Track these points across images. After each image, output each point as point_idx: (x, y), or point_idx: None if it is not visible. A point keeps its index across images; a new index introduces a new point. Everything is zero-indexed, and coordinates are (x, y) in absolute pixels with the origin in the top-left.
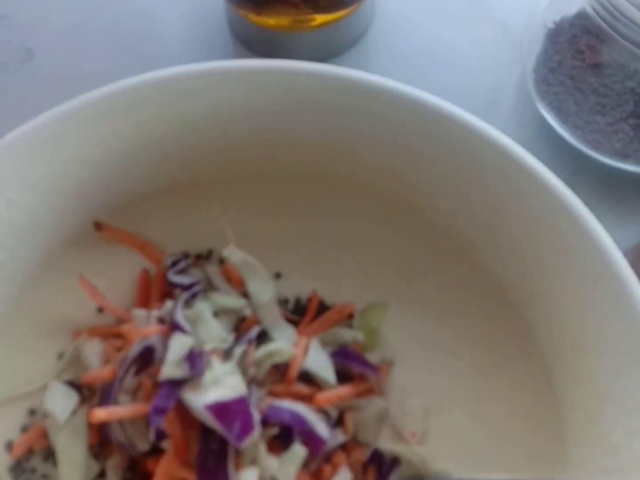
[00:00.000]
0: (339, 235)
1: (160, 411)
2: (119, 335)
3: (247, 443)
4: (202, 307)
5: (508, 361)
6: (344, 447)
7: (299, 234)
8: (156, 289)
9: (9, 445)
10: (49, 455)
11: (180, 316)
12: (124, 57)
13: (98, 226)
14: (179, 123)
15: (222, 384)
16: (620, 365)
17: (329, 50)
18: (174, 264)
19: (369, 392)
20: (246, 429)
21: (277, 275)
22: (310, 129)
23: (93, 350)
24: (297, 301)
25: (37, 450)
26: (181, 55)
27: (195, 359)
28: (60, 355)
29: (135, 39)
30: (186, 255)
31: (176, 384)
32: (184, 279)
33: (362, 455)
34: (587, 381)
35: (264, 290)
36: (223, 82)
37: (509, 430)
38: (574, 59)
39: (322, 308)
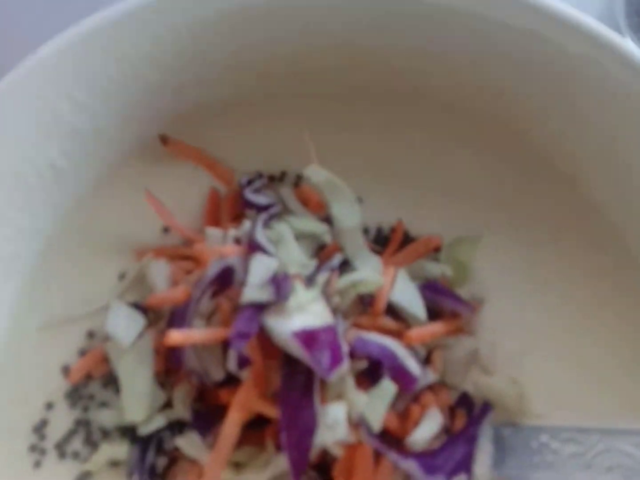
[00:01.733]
0: (426, 159)
1: (243, 336)
2: (188, 257)
3: (335, 375)
4: (283, 228)
5: (611, 295)
6: (431, 389)
7: (382, 156)
8: (227, 210)
9: (66, 370)
10: (109, 381)
11: (261, 236)
12: None
13: (164, 139)
14: (261, 26)
15: (307, 310)
16: None
17: None
18: (249, 182)
19: (458, 330)
20: (335, 359)
21: (358, 201)
22: (403, 38)
23: (160, 272)
24: (379, 230)
25: (96, 376)
26: None
27: (280, 282)
28: (122, 276)
29: None
30: (259, 175)
31: (258, 308)
32: (261, 199)
33: (450, 398)
34: None
35: (349, 215)
36: None
37: (609, 375)
38: None
39: (407, 239)
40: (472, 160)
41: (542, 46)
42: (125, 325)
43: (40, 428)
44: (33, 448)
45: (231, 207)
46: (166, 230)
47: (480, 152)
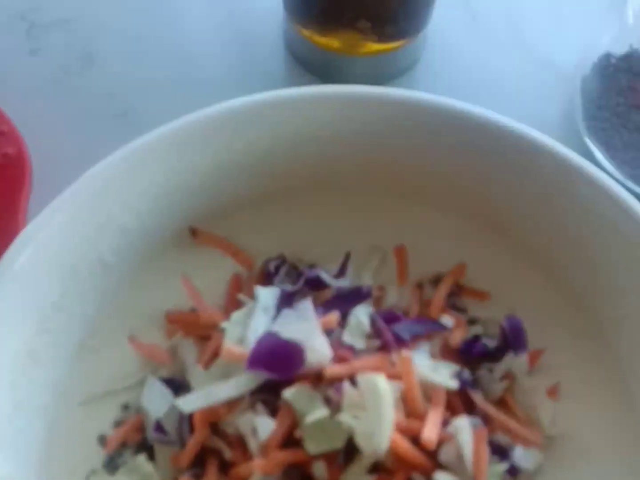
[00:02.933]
0: (416, 251)
1: None
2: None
3: None
4: None
5: (592, 382)
6: None
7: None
8: (249, 293)
9: (102, 440)
10: (140, 448)
11: None
12: (181, 68)
13: (194, 232)
14: (284, 141)
15: None
16: None
17: (381, 76)
18: (277, 269)
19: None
20: None
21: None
22: (401, 153)
23: (189, 350)
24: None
25: (130, 444)
26: (239, 70)
27: None
28: None
29: (191, 53)
30: (284, 261)
31: None
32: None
33: None
34: None
35: None
36: (323, 105)
37: (598, 452)
38: (619, 97)
39: None
40: (469, 255)
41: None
42: (157, 400)
43: None
44: None
45: (251, 290)
46: (194, 311)
47: (476, 249)
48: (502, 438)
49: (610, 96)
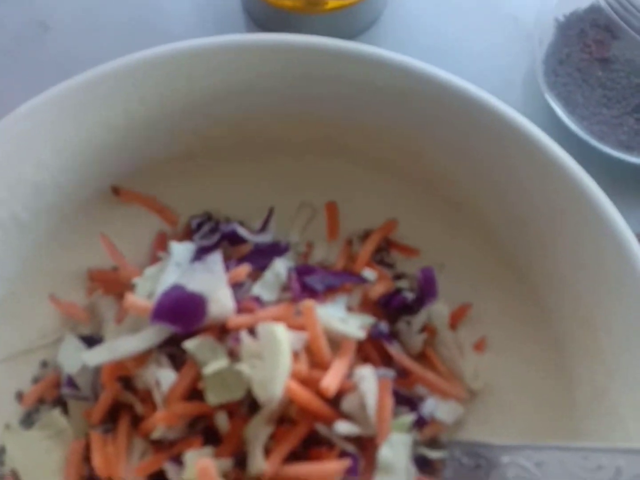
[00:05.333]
0: (348, 209)
1: None
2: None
3: None
4: None
5: (520, 337)
6: None
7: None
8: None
9: (20, 396)
10: (57, 404)
11: None
12: (135, 37)
13: (115, 190)
14: (201, 94)
15: None
16: (628, 342)
17: (339, 34)
18: (199, 226)
19: None
20: None
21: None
22: (328, 106)
23: (109, 307)
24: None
25: (48, 401)
26: (195, 33)
27: None
28: None
29: (146, 19)
30: (208, 218)
31: None
32: (206, 242)
33: None
34: (596, 358)
35: None
36: (241, 55)
37: (519, 403)
38: (583, 52)
39: None
40: (400, 214)
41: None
42: (72, 356)
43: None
44: None
45: None
46: (116, 269)
47: (409, 208)
48: (422, 390)
49: (573, 51)
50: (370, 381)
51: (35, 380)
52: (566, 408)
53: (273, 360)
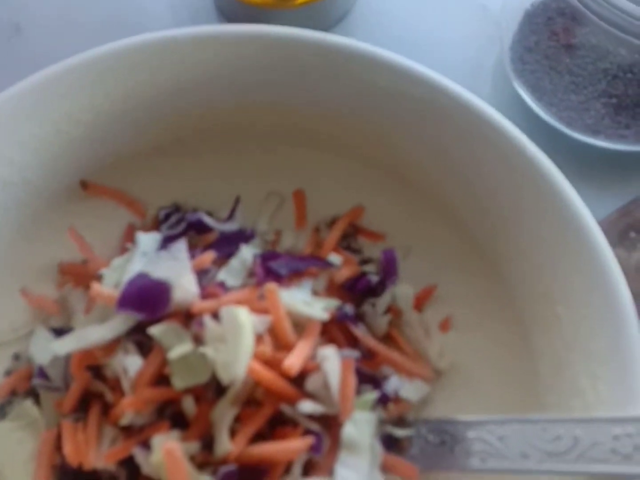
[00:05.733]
0: (315, 196)
1: None
2: None
3: None
4: None
5: (484, 315)
6: None
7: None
8: None
9: None
10: (29, 396)
11: None
12: (109, 35)
13: (84, 184)
14: (166, 86)
15: None
16: (585, 313)
17: (310, 28)
18: (167, 217)
19: None
20: None
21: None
22: (294, 94)
23: (79, 299)
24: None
25: (20, 392)
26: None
27: None
28: None
29: (120, 17)
30: (177, 209)
31: None
32: (173, 231)
33: None
34: (556, 331)
35: None
36: (208, 46)
37: (485, 380)
38: (550, 40)
39: None
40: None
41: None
42: (43, 347)
43: None
44: None
45: None
46: (85, 262)
47: (374, 192)
48: (387, 371)
49: (540, 38)
50: (333, 361)
51: (8, 372)
52: (530, 382)
53: (235, 342)
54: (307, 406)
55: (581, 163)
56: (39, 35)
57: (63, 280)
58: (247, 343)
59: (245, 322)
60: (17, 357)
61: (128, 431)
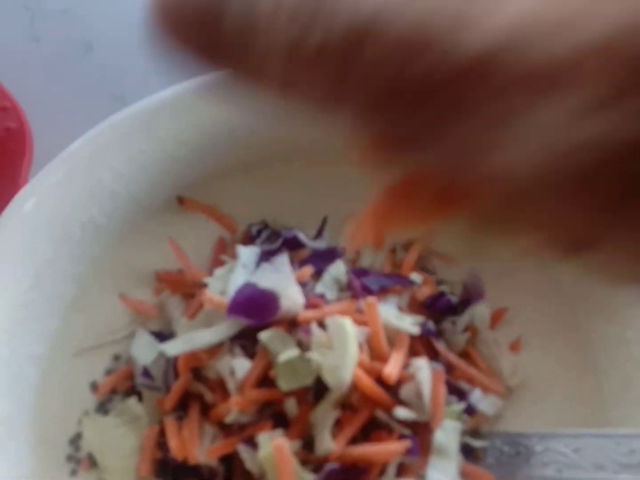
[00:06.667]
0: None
1: None
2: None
3: None
4: None
5: (552, 336)
6: None
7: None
8: (232, 254)
9: (94, 387)
10: (129, 394)
11: None
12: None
13: (180, 200)
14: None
15: None
16: None
17: None
18: (259, 233)
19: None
20: None
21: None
22: None
23: (176, 306)
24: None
25: (120, 391)
26: None
27: None
28: None
29: None
30: (266, 225)
31: None
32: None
33: None
34: (623, 351)
35: None
36: None
37: (552, 397)
38: None
39: None
40: None
41: None
42: (145, 349)
43: (75, 440)
44: (69, 458)
45: (234, 252)
46: (180, 271)
47: None
48: (464, 385)
49: None
50: (425, 372)
51: (108, 372)
52: (595, 399)
53: (342, 349)
54: (402, 412)
55: None
56: (110, 53)
57: (160, 287)
58: (353, 351)
59: (350, 331)
60: (117, 357)
61: (228, 429)
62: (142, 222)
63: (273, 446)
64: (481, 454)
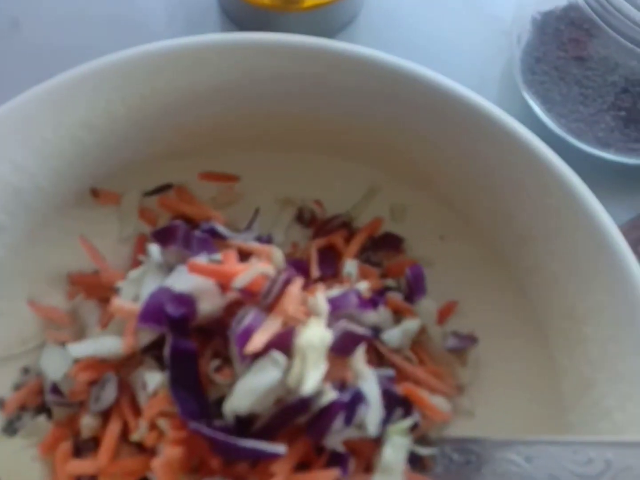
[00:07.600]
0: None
1: None
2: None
3: None
4: None
5: (508, 331)
6: None
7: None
8: None
9: (1, 403)
10: (40, 411)
11: None
12: (111, 32)
13: (95, 192)
14: (182, 94)
15: None
16: (613, 333)
17: (317, 32)
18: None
19: None
20: None
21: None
22: (307, 102)
23: (91, 311)
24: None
25: (30, 407)
26: (172, 30)
27: None
28: None
29: (123, 14)
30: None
31: None
32: None
33: None
34: (581, 349)
35: None
36: (222, 55)
37: (506, 397)
38: (559, 50)
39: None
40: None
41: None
42: (56, 362)
43: None
44: None
45: None
46: (96, 272)
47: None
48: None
49: (550, 49)
50: (370, 384)
51: (17, 387)
52: (553, 401)
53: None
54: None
55: (591, 175)
56: (37, 29)
57: (74, 290)
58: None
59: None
60: (26, 370)
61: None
62: (52, 218)
63: None
64: (430, 462)
